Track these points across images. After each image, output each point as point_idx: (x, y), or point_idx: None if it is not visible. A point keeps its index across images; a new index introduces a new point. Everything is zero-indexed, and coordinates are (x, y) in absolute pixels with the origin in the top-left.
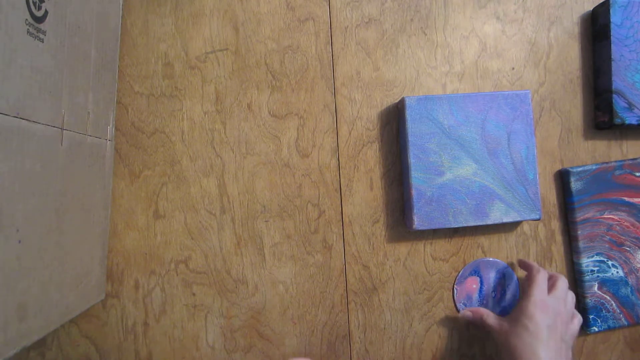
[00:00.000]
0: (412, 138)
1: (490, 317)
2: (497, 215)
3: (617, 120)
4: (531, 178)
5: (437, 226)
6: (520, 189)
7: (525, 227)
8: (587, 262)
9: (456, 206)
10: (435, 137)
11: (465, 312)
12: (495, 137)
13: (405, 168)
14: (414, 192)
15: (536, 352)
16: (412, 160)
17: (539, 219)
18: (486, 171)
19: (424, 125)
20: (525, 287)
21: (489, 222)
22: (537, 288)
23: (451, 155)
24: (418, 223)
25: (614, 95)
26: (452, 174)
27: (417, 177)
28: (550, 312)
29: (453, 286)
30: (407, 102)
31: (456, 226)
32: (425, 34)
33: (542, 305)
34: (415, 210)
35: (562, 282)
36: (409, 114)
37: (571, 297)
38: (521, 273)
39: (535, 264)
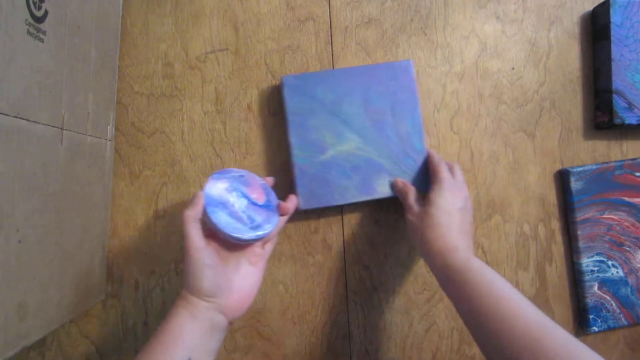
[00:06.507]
0: (291, 117)
1: (413, 195)
2: (385, 189)
3: (617, 120)
4: (418, 148)
5: (323, 204)
6: (407, 161)
7: (525, 227)
8: (587, 262)
9: (341, 182)
10: (315, 114)
11: (398, 181)
12: (379, 109)
13: (288, 148)
14: (296, 172)
15: (450, 234)
16: (293, 139)
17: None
18: (371, 144)
19: (304, 103)
20: (431, 174)
21: (377, 196)
22: (445, 172)
23: (333, 132)
24: (303, 202)
25: (614, 95)
26: (334, 150)
27: (298, 155)
28: (462, 195)
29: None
30: (285, 80)
31: (343, 203)
32: (425, 34)
33: (454, 188)
34: (298, 190)
35: (459, 168)
36: (286, 93)
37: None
38: None
39: (434, 153)
